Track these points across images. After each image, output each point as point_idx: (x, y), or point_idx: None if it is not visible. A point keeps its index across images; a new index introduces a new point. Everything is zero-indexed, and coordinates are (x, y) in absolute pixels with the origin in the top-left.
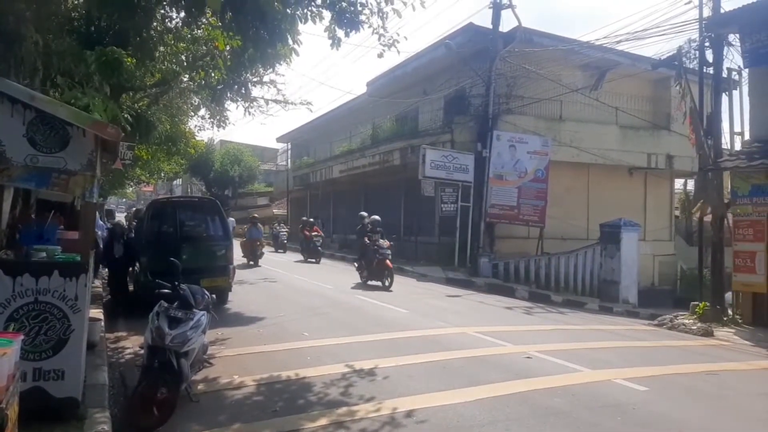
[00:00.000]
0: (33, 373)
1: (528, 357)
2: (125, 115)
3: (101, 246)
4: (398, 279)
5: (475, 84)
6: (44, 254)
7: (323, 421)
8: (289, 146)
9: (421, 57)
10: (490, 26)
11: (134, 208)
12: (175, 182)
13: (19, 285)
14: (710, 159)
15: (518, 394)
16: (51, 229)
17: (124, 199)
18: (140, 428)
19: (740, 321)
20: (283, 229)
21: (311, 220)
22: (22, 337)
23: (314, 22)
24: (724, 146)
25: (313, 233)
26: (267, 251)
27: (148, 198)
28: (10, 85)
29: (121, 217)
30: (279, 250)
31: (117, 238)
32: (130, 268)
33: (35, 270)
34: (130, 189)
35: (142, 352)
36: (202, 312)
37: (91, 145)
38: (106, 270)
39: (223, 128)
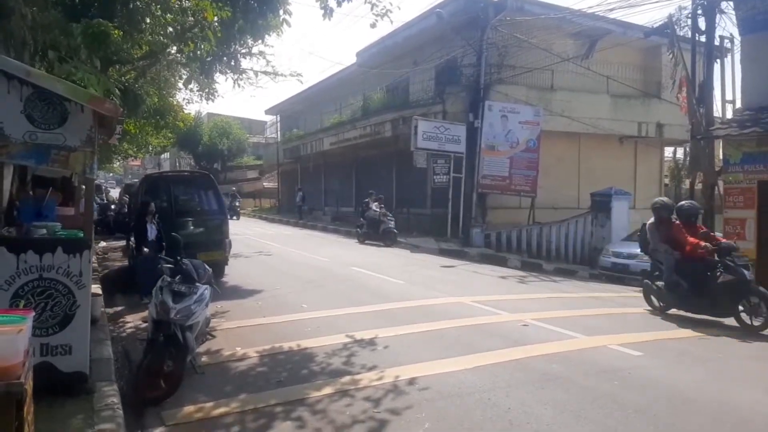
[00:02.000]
0: (41, 349)
1: (524, 325)
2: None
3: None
4: (392, 250)
5: (467, 54)
6: (44, 231)
7: (328, 390)
8: (278, 118)
9: (411, 26)
10: None
11: (125, 183)
12: (162, 156)
13: (23, 262)
14: (702, 127)
15: (516, 360)
16: (49, 205)
17: (111, 174)
18: (148, 401)
19: None
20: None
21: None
22: (33, 313)
23: None
24: (715, 114)
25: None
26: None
27: (135, 172)
28: (5, 61)
29: (114, 193)
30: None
31: (148, 217)
32: (125, 243)
33: (39, 247)
34: (117, 164)
35: (143, 326)
36: (205, 286)
37: (90, 120)
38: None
39: (212, 101)
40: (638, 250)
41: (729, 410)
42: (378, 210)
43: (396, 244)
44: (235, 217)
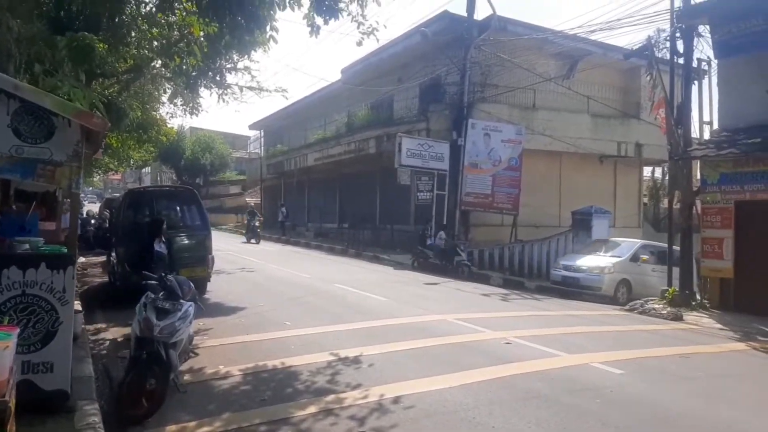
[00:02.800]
0: (22, 367)
1: (507, 342)
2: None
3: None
4: (375, 267)
5: (450, 72)
6: (27, 246)
7: (312, 409)
8: (262, 134)
9: (396, 44)
10: (466, 14)
11: (106, 198)
12: (144, 170)
13: (6, 278)
14: (680, 148)
15: (500, 378)
16: (32, 220)
17: (90, 188)
18: (130, 419)
19: (708, 305)
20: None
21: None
22: (17, 330)
23: (293, 9)
24: (693, 135)
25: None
26: (240, 241)
27: (116, 187)
28: None
29: (92, 207)
30: (252, 240)
31: (158, 234)
32: (106, 258)
33: (22, 262)
34: (97, 177)
35: (123, 343)
36: (189, 302)
37: (77, 135)
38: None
39: (197, 115)
40: (589, 263)
41: (711, 428)
42: (447, 239)
43: (469, 278)
44: (254, 240)
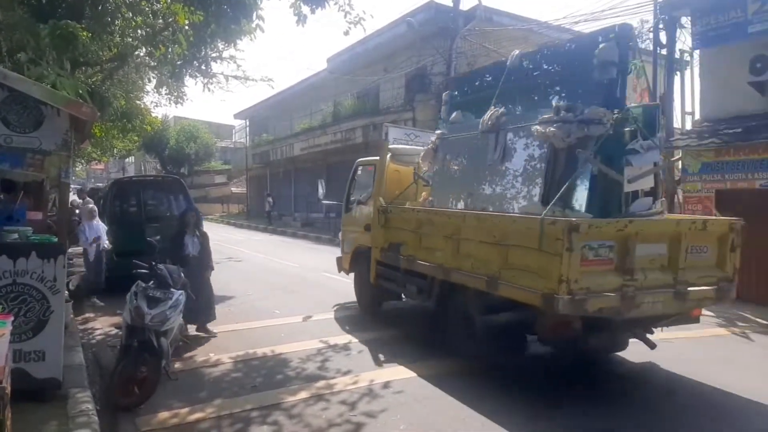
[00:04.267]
0: (14, 355)
1: None
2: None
3: None
4: None
5: (436, 62)
6: (16, 235)
7: (303, 395)
8: (248, 123)
9: (382, 34)
10: (451, 4)
11: (90, 188)
12: (127, 160)
13: None
14: (663, 137)
15: (489, 364)
16: (21, 209)
17: (74, 178)
18: (122, 407)
19: None
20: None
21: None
22: (12, 318)
23: None
24: (675, 125)
25: None
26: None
27: (99, 176)
28: None
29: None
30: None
31: (190, 228)
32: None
33: (12, 251)
34: (80, 167)
35: (112, 332)
36: (179, 291)
37: (66, 124)
38: None
39: (181, 105)
40: None
41: (690, 412)
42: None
43: None
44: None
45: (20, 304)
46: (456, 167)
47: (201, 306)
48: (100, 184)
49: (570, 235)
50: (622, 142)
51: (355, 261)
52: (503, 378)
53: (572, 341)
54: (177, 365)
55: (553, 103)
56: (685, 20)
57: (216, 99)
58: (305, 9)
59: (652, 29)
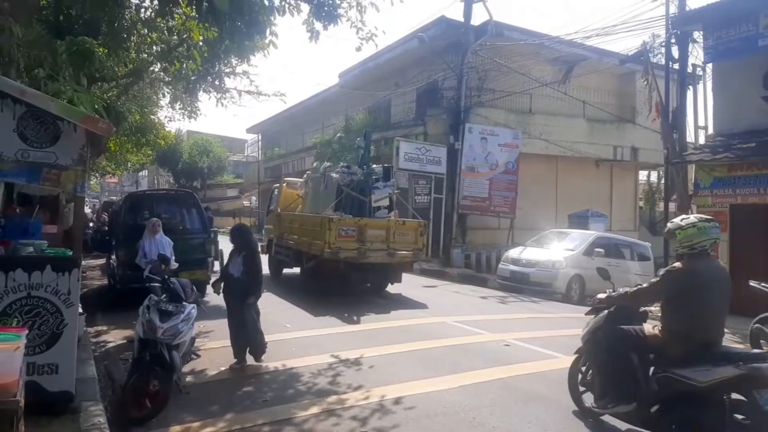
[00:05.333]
0: (27, 368)
1: (506, 344)
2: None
3: None
4: None
5: (448, 77)
6: (31, 249)
7: (314, 410)
8: (260, 137)
9: (393, 49)
10: (462, 19)
11: (104, 201)
12: (141, 174)
13: (12, 280)
14: (676, 152)
15: (499, 380)
16: (36, 223)
17: (88, 191)
18: (134, 420)
19: None
20: None
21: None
22: (26, 331)
23: (292, 14)
24: (688, 140)
25: None
26: None
27: (113, 190)
28: (0, 80)
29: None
30: None
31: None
32: (105, 261)
33: (28, 265)
34: (94, 180)
35: (124, 345)
36: (191, 305)
37: (82, 139)
38: None
39: (195, 119)
40: (539, 257)
41: None
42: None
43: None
44: None
45: (34, 317)
46: (313, 191)
47: (240, 336)
48: (114, 198)
49: (330, 223)
50: (369, 182)
51: (269, 246)
52: (516, 393)
53: (342, 276)
54: (189, 379)
55: (341, 163)
56: (697, 35)
57: (229, 113)
58: (318, 25)
59: (664, 44)
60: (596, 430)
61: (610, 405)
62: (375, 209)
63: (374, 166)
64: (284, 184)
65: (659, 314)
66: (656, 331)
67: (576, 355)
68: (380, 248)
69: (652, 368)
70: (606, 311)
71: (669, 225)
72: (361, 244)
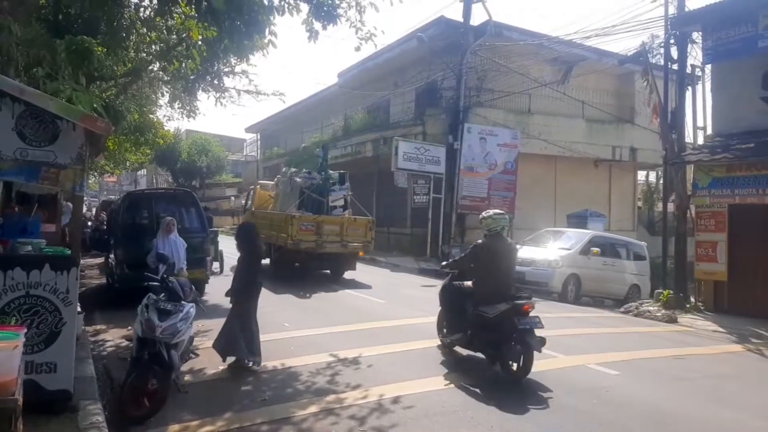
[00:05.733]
0: (26, 366)
1: None
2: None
3: None
4: (372, 269)
5: (447, 77)
6: (29, 248)
7: (313, 409)
8: (259, 137)
9: (392, 49)
10: (462, 19)
11: (102, 200)
12: (139, 173)
13: (10, 279)
14: (675, 152)
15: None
16: (35, 222)
17: (87, 190)
18: (132, 419)
19: (702, 308)
20: None
21: None
22: (25, 330)
23: (291, 14)
24: (687, 140)
25: None
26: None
27: (111, 189)
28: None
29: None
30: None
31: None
32: (104, 260)
33: (26, 263)
34: (93, 180)
35: (123, 344)
36: (190, 304)
37: (81, 138)
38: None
39: (194, 118)
40: (535, 256)
41: (705, 428)
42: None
43: None
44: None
45: (33, 316)
46: (282, 193)
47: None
48: (113, 197)
49: (292, 219)
50: (327, 186)
51: None
52: (515, 392)
53: (302, 263)
54: (187, 378)
55: (304, 169)
56: (696, 35)
57: (228, 113)
58: (317, 25)
59: (663, 44)
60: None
61: (453, 336)
62: (331, 208)
63: (331, 172)
64: (258, 186)
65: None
66: (471, 285)
67: (440, 308)
68: (335, 240)
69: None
70: (450, 273)
71: (481, 215)
72: (319, 237)
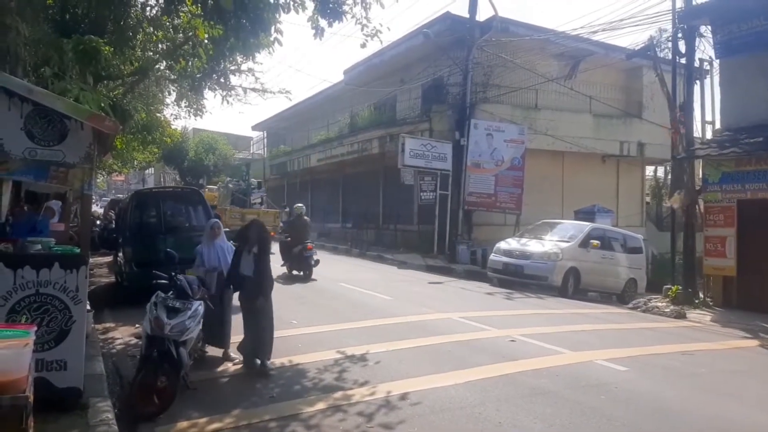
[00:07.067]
0: (36, 364)
1: (512, 340)
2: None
3: None
4: (379, 266)
5: (453, 73)
6: (39, 246)
7: (321, 405)
8: (265, 134)
9: (398, 45)
10: (468, 15)
11: (111, 199)
12: (147, 171)
13: (20, 278)
14: (683, 147)
15: (505, 376)
16: (44, 221)
17: (95, 189)
18: (142, 416)
19: (711, 303)
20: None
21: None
22: (35, 328)
23: (297, 11)
24: (695, 135)
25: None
26: None
27: (119, 188)
28: (7, 79)
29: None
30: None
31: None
32: (113, 258)
33: (36, 262)
34: (101, 179)
35: (132, 342)
36: (198, 301)
37: (89, 137)
38: None
39: (200, 117)
40: (534, 249)
41: (714, 424)
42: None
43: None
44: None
45: (43, 314)
46: (222, 195)
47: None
48: (121, 196)
49: (225, 211)
50: (249, 190)
51: None
52: (522, 389)
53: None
54: (196, 375)
55: (234, 179)
56: (704, 29)
57: (234, 111)
58: (323, 22)
59: (671, 38)
60: (605, 415)
61: None
62: (252, 204)
63: (253, 179)
64: (206, 190)
65: None
66: None
67: None
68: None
69: None
70: None
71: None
72: (242, 221)
